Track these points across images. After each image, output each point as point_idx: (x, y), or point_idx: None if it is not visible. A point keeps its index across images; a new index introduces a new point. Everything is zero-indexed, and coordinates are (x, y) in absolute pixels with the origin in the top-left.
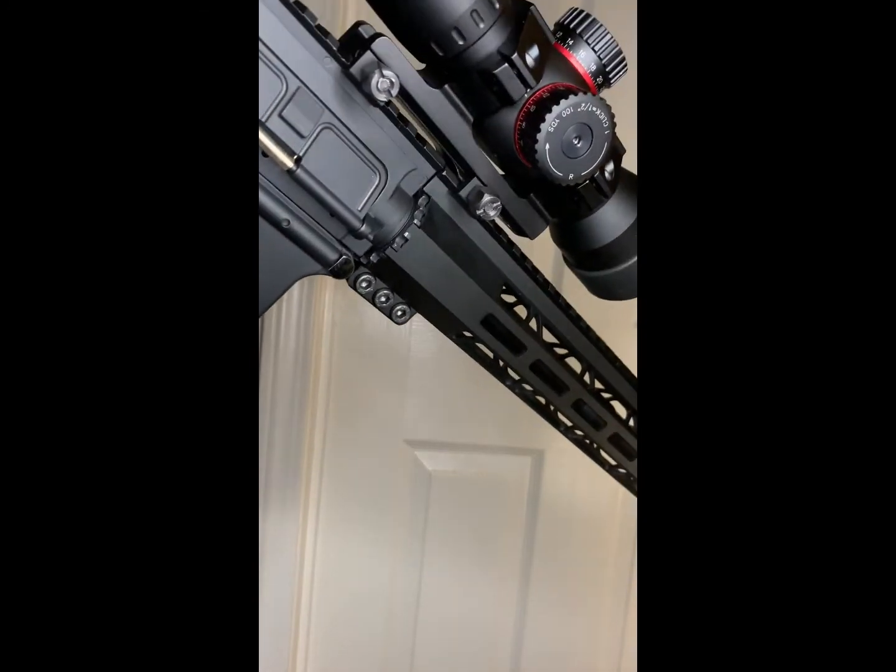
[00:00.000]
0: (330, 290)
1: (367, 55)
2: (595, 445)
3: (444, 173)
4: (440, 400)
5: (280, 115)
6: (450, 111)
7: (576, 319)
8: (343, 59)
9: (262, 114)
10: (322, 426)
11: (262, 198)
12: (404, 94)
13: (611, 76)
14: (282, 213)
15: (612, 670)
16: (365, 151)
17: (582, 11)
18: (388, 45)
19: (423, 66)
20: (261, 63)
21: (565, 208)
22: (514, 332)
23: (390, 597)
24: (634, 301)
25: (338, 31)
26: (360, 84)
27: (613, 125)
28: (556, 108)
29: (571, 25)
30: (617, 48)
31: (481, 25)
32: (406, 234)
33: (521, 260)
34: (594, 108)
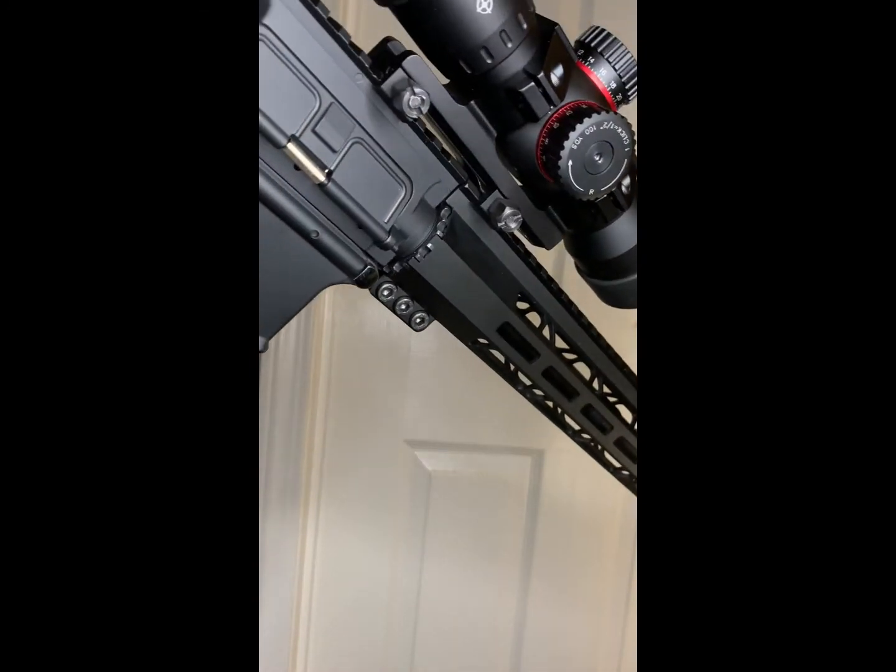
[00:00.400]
0: (330, 290)
1: (399, 72)
2: (601, 448)
3: (466, 186)
4: (440, 400)
5: (314, 131)
6: (474, 126)
7: (587, 327)
8: (375, 76)
9: (297, 129)
10: (322, 426)
11: (293, 209)
12: (432, 111)
13: (629, 93)
14: (311, 225)
15: (612, 670)
16: (392, 165)
17: (603, 30)
18: (419, 63)
19: (447, 79)
20: (296, 79)
21: (582, 220)
22: (528, 340)
23: (390, 596)
24: None
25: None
26: (391, 100)
27: (633, 142)
28: (579, 126)
29: (593, 44)
30: (635, 66)
31: (509, 45)
32: (429, 245)
33: (538, 270)
34: (616, 127)
